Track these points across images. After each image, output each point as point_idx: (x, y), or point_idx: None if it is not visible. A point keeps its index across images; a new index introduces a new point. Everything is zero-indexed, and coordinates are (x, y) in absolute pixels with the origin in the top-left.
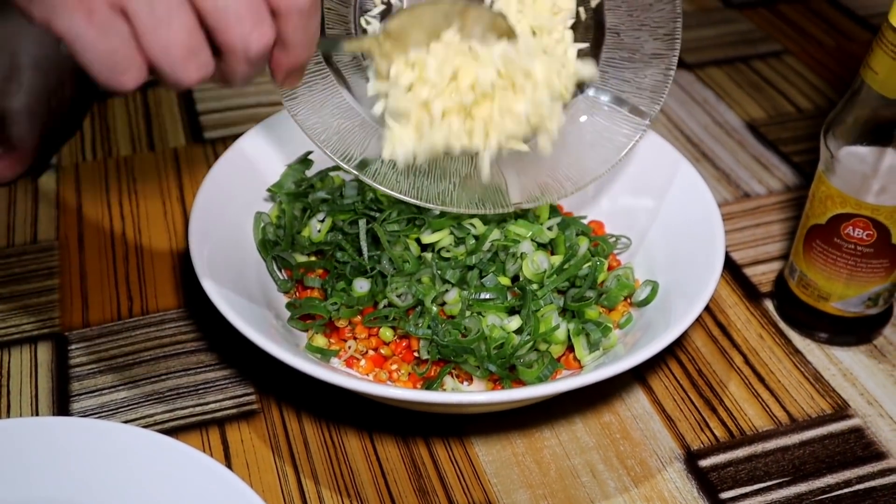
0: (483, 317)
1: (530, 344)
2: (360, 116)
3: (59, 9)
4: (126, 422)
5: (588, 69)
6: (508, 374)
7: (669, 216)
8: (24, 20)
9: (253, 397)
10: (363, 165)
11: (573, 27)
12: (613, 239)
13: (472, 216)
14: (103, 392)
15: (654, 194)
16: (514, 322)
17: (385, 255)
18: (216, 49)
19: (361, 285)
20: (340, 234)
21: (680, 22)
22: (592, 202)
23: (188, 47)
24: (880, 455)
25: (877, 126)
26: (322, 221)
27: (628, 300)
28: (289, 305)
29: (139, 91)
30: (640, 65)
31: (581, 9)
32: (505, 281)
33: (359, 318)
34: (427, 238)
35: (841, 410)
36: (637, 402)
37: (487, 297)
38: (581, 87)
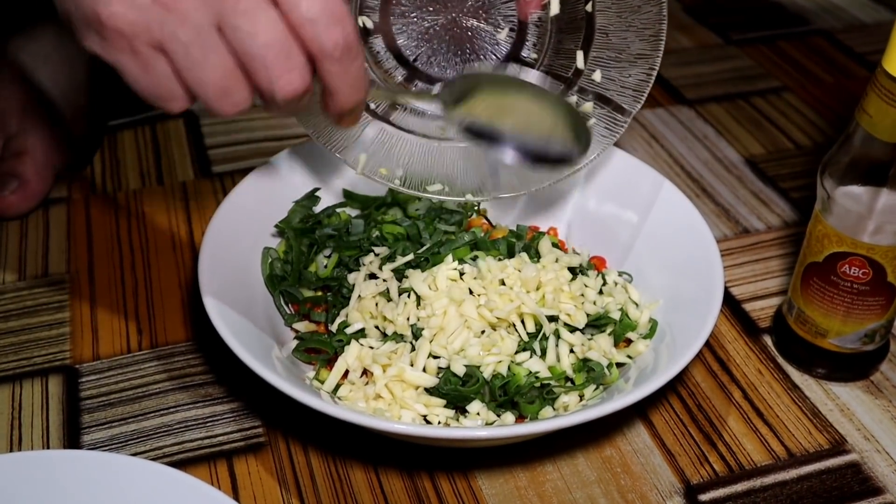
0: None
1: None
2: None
3: (108, 47)
4: (135, 454)
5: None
6: (511, 409)
7: (668, 252)
8: (41, 55)
9: (260, 430)
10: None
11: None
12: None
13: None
14: (113, 424)
15: (654, 229)
16: (534, 362)
17: None
18: None
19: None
20: (346, 270)
21: (665, 24)
22: (592, 237)
23: (222, 87)
24: (877, 490)
25: (871, 167)
26: (328, 257)
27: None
28: (296, 339)
29: (148, 125)
30: (626, 64)
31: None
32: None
33: None
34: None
35: (838, 446)
36: (638, 436)
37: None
38: (569, 83)
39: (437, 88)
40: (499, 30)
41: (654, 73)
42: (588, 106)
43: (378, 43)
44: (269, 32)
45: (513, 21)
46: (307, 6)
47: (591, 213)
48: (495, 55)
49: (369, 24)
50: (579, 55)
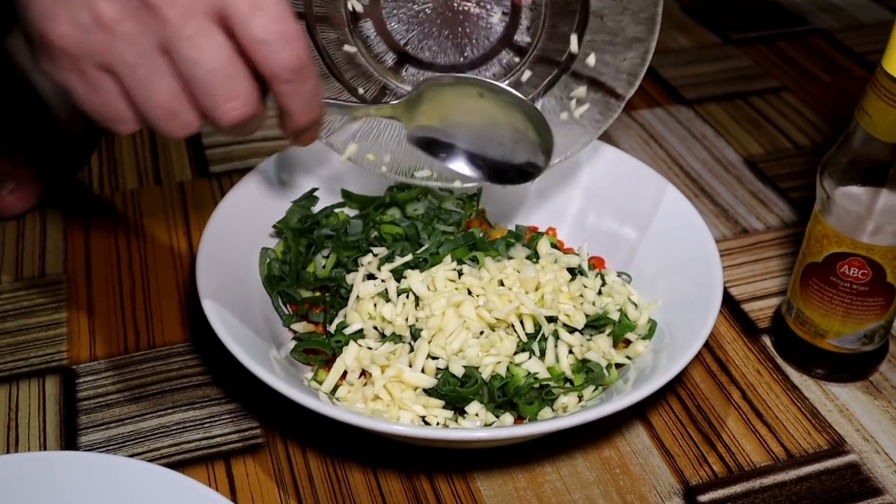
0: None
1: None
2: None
3: (56, 67)
4: (132, 455)
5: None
6: (510, 410)
7: (667, 253)
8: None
9: (258, 431)
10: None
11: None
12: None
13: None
14: (110, 426)
15: (653, 230)
16: (533, 363)
17: None
18: None
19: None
20: (345, 271)
21: (661, 7)
22: (591, 237)
23: (170, 109)
24: (876, 491)
25: (871, 167)
26: (327, 257)
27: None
28: (294, 340)
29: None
30: (621, 48)
31: None
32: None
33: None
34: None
35: (837, 446)
36: (637, 437)
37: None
38: (562, 67)
39: (394, 101)
40: (492, 13)
41: (650, 56)
42: (581, 90)
43: (368, 27)
44: (213, 59)
45: (506, 4)
46: (258, 28)
47: (590, 213)
48: (488, 39)
49: (359, 8)
50: (573, 39)
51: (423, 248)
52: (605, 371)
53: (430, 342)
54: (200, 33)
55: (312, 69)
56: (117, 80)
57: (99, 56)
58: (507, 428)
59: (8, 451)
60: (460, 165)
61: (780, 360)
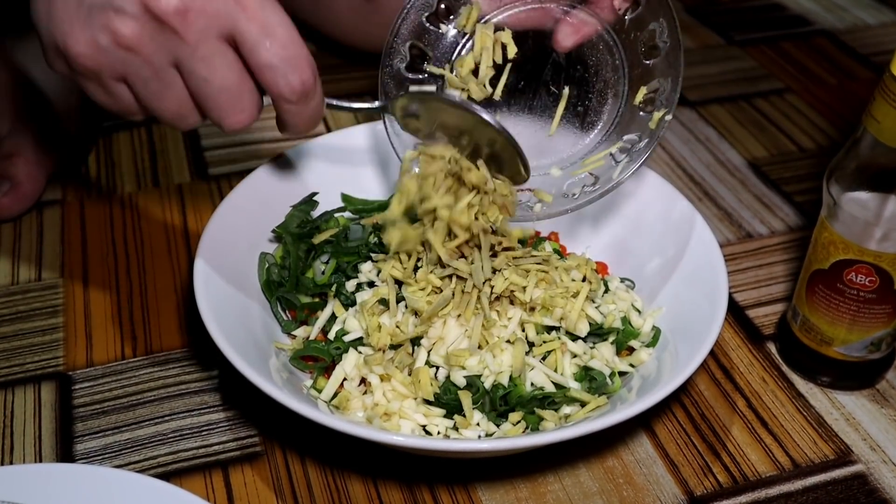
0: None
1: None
2: None
3: (74, 75)
4: (129, 464)
5: None
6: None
7: (671, 258)
8: (34, 52)
9: (256, 439)
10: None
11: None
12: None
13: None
14: (106, 433)
15: (656, 234)
16: (535, 372)
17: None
18: None
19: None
20: (344, 277)
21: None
22: (595, 243)
23: (178, 114)
24: (884, 502)
25: (879, 173)
26: (326, 263)
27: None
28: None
29: (144, 127)
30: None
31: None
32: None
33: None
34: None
35: (844, 456)
36: (640, 446)
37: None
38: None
39: (377, 103)
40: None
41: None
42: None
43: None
44: (224, 79)
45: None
46: (267, 54)
47: (592, 218)
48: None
49: None
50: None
51: None
52: (608, 380)
53: (430, 351)
54: (213, 54)
55: (317, 92)
56: (131, 89)
57: (116, 70)
58: (508, 439)
59: (2, 460)
60: None
61: (785, 368)
